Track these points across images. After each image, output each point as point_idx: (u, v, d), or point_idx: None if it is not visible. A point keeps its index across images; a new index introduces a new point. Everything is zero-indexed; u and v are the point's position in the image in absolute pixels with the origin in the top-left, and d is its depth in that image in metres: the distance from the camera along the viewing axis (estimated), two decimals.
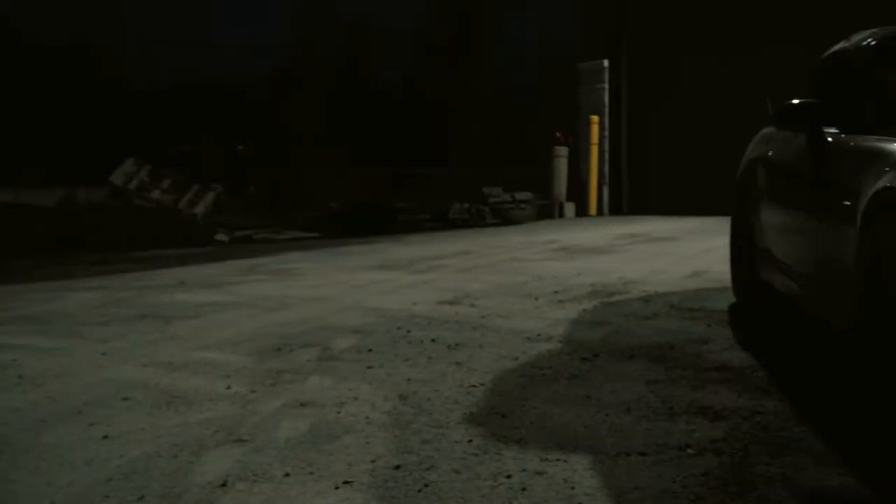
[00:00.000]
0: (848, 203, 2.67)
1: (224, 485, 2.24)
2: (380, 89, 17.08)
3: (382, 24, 17.21)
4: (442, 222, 11.62)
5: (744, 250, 4.39)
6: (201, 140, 14.59)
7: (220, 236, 10.21)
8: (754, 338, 3.75)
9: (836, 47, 3.72)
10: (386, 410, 2.83)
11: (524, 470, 2.26)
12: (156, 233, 9.23)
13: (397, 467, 2.32)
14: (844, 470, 2.17)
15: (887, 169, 2.47)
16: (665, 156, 11.81)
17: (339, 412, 2.83)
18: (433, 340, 3.84)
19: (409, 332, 4.04)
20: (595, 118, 12.18)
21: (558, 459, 2.33)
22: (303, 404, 2.93)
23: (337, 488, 2.19)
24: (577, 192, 12.37)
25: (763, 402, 2.78)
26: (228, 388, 3.17)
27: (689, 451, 2.37)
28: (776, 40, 9.87)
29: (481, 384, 3.11)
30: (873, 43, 3.33)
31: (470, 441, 2.51)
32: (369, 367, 3.40)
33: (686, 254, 6.92)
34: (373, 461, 2.37)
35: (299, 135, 16.27)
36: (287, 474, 2.30)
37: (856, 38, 3.51)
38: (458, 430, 2.62)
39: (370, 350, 3.69)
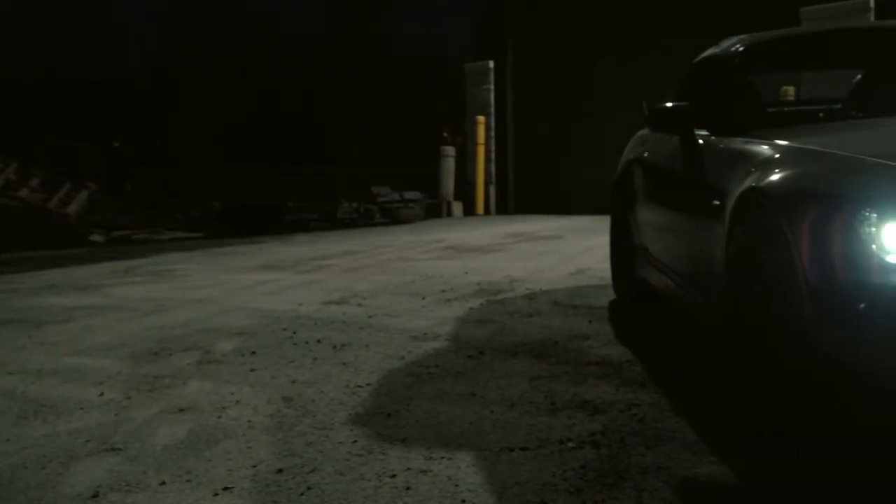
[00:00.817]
0: (717, 203, 2.78)
1: (96, 496, 2.14)
2: (269, 89, 16.76)
3: (272, 23, 16.91)
4: (330, 222, 11.51)
5: (622, 248, 4.53)
6: (76, 136, 13.92)
7: (96, 237, 9.78)
8: (633, 333, 3.87)
9: (707, 53, 3.88)
10: (269, 413, 2.77)
11: (409, 469, 2.26)
12: (23, 234, 8.73)
13: (279, 471, 2.27)
14: (715, 458, 2.27)
15: (753, 170, 2.59)
16: (550, 155, 12.08)
17: (219, 417, 2.75)
18: (319, 341, 3.79)
19: (294, 333, 3.97)
20: (481, 118, 12.32)
21: (443, 457, 2.34)
22: (181, 410, 2.83)
23: (216, 495, 2.13)
24: (465, 191, 12.49)
25: (640, 395, 2.87)
26: (101, 395, 3.03)
27: (570, 444, 2.42)
28: (661, 43, 10.18)
29: (367, 384, 3.09)
30: (741, 48, 3.49)
31: (355, 442, 2.48)
32: (252, 370, 3.32)
33: (569, 252, 7.09)
34: (254, 466, 2.32)
35: (183, 132, 15.77)
36: (163, 483, 2.22)
37: (725, 43, 3.68)
38: (342, 431, 2.59)
39: (254, 352, 3.61)
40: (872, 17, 8.65)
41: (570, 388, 2.98)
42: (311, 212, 11.87)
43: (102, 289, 5.55)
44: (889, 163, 2.20)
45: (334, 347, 3.67)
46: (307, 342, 3.77)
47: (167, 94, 16.68)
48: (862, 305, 1.92)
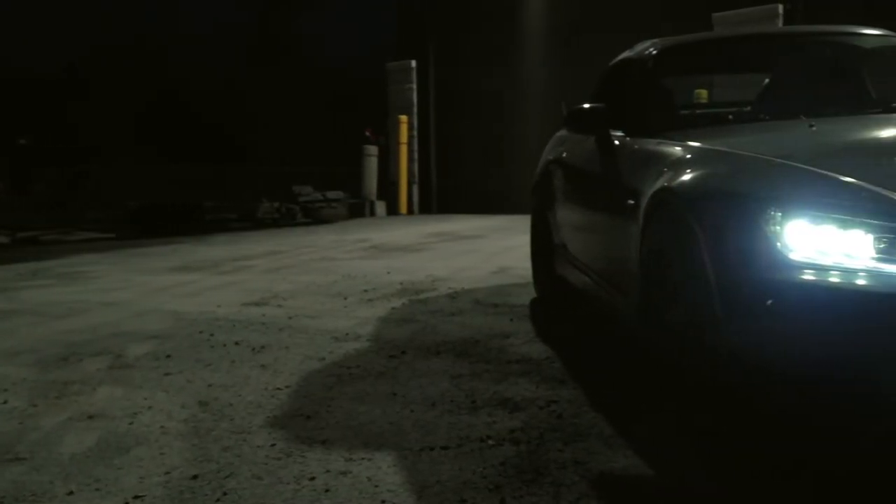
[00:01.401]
0: (632, 202, 2.84)
1: None
2: (186, 87, 16.36)
3: (189, 22, 16.52)
4: (251, 222, 11.31)
5: (543, 247, 4.59)
6: None
7: (0, 238, 9.38)
8: (553, 331, 3.92)
9: (622, 56, 3.96)
10: (183, 419, 2.70)
11: (328, 471, 2.23)
12: None
13: (194, 477, 2.22)
14: (631, 452, 2.31)
15: (665, 170, 2.65)
16: (473, 155, 12.14)
17: (131, 423, 2.67)
18: (237, 343, 3.72)
19: (211, 335, 3.89)
20: (404, 118, 12.31)
21: (363, 458, 2.32)
22: (91, 417, 2.74)
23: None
24: (389, 191, 12.46)
25: (559, 391, 2.91)
26: (5, 402, 2.90)
27: (490, 442, 2.43)
28: (580, 43, 10.33)
29: (287, 386, 3.04)
30: (654, 52, 3.57)
31: (273, 445, 2.44)
32: (167, 374, 3.24)
33: (492, 251, 7.14)
34: (167, 473, 2.25)
35: (95, 130, 15.27)
36: (70, 492, 2.14)
37: (638, 47, 3.76)
38: (260, 434, 2.54)
39: (168, 356, 3.51)
40: (780, 24, 8.98)
41: (491, 386, 3.00)
42: (230, 211, 11.65)
43: (7, 292, 5.33)
44: (793, 163, 2.29)
45: (253, 350, 3.60)
46: (225, 345, 3.69)
47: (77, 91, 16.13)
48: (770, 301, 1.99)
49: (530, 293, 4.84)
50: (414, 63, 12.48)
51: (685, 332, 2.36)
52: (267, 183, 12.34)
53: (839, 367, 1.89)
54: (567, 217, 4.07)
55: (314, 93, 13.99)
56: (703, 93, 7.62)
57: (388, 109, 12.69)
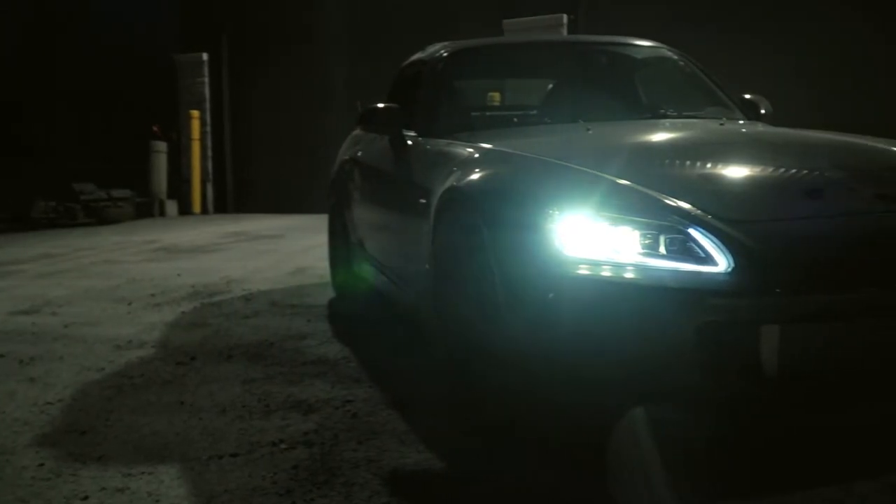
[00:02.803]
0: (423, 201, 2.89)
1: None
2: None
3: None
4: (23, 222, 10.39)
5: (340, 246, 4.57)
6: None
7: None
8: (350, 330, 3.91)
9: (414, 57, 4.02)
10: None
11: (103, 489, 2.09)
12: None
13: None
14: (423, 447, 2.34)
15: (455, 169, 2.72)
16: (272, 152, 11.85)
17: None
18: (2, 356, 3.40)
19: None
20: (196, 113, 11.80)
21: (144, 472, 2.19)
22: None
23: None
24: (181, 189, 11.92)
25: (355, 391, 2.90)
26: None
27: (282, 446, 2.38)
28: (379, 42, 10.34)
29: (59, 400, 2.82)
30: (445, 54, 3.65)
31: (41, 465, 2.25)
32: None
33: (290, 251, 7.02)
34: None
35: None
36: None
37: (430, 49, 3.83)
38: (27, 454, 2.33)
39: None
40: (565, 32, 9.49)
41: (285, 389, 2.94)
42: None
43: None
44: (570, 165, 2.42)
45: (21, 362, 3.31)
46: None
47: None
48: (551, 295, 2.08)
49: (329, 293, 4.80)
50: (206, 56, 12.00)
51: (475, 327, 2.43)
52: (43, 180, 11.36)
53: (611, 354, 2.01)
54: (363, 216, 4.08)
55: (98, 81, 13.03)
56: (496, 96, 7.90)
57: (178, 104, 12.13)
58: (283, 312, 4.32)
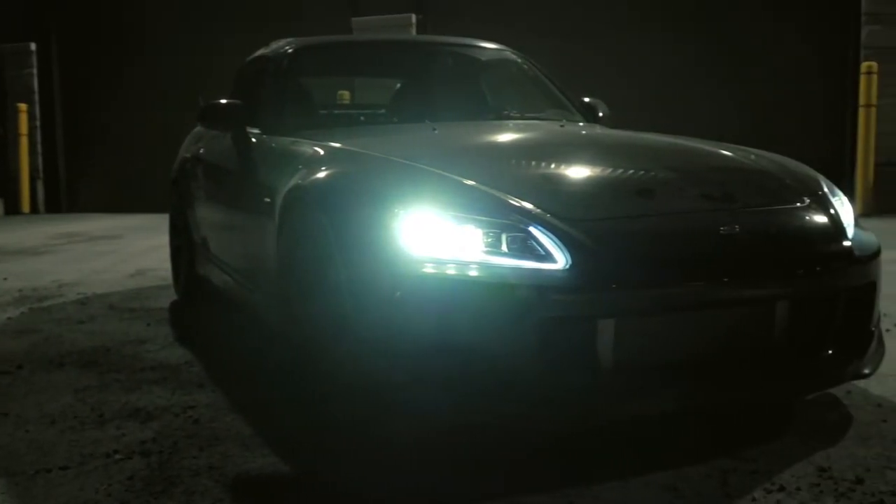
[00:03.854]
0: (268, 200, 2.83)
1: None
2: None
3: None
4: None
5: (183, 247, 4.40)
6: None
7: None
8: (194, 334, 3.78)
9: (258, 53, 3.93)
10: None
11: None
12: None
13: None
14: (269, 451, 2.29)
15: (300, 167, 2.68)
16: (111, 148, 11.25)
17: None
18: None
19: None
20: (24, 106, 11.03)
21: None
22: None
23: None
24: (7, 187, 11.12)
25: (197, 396, 2.80)
26: None
27: (117, 456, 2.27)
28: (224, 36, 9.99)
29: None
30: (290, 51, 3.59)
31: None
32: None
33: (130, 252, 6.70)
34: None
35: None
36: None
37: (274, 45, 3.75)
38: None
39: None
40: (414, 32, 9.56)
41: (122, 397, 2.80)
42: None
43: None
44: (416, 164, 2.43)
45: None
46: None
47: None
48: (398, 294, 2.08)
49: (171, 295, 4.62)
50: (34, 46, 11.23)
51: (322, 328, 2.40)
52: None
53: (456, 351, 2.04)
54: (207, 216, 3.95)
55: None
56: (346, 94, 7.87)
57: (5, 96, 11.29)
58: (122, 316, 4.12)
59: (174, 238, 4.68)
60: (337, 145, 2.81)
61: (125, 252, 6.72)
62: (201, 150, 4.11)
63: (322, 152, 2.75)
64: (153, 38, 10.85)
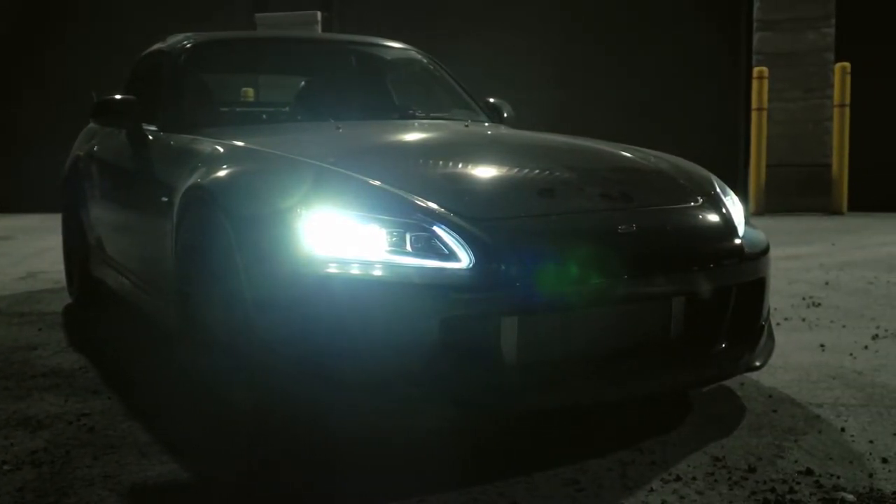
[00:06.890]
0: (166, 199, 2.75)
1: None
2: None
3: None
4: None
5: (77, 248, 4.23)
6: None
7: None
8: (88, 338, 3.63)
9: (154, 47, 3.80)
10: None
11: None
12: None
13: None
14: (168, 458, 2.22)
15: (199, 166, 2.61)
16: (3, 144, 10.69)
17: None
18: None
19: None
20: None
21: None
22: None
23: None
24: None
25: (92, 403, 2.70)
26: None
27: (6, 467, 2.16)
28: (116, 28, 9.62)
29: None
30: (188, 45, 3.49)
31: None
32: None
33: (20, 254, 6.40)
34: None
35: None
36: None
37: (171, 39, 3.64)
38: None
39: None
40: (319, 30, 9.45)
41: (11, 406, 2.67)
42: None
43: None
44: (319, 163, 2.40)
45: None
46: None
47: None
48: (300, 295, 2.05)
49: (65, 299, 4.43)
50: None
51: (223, 330, 2.35)
52: None
53: (362, 351, 2.02)
54: (101, 216, 3.81)
55: None
56: (249, 91, 7.71)
57: None
58: (11, 322, 3.93)
59: (67, 239, 4.49)
60: (238, 143, 2.75)
61: (15, 254, 6.42)
62: (95, 148, 3.96)
63: (222, 150, 2.68)
64: (43, 32, 10.39)
